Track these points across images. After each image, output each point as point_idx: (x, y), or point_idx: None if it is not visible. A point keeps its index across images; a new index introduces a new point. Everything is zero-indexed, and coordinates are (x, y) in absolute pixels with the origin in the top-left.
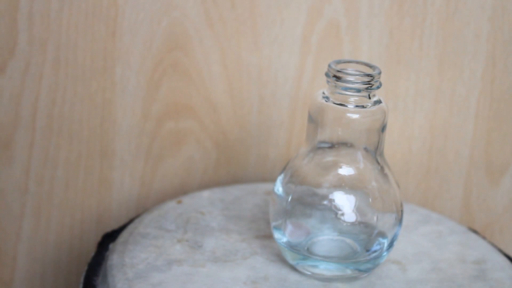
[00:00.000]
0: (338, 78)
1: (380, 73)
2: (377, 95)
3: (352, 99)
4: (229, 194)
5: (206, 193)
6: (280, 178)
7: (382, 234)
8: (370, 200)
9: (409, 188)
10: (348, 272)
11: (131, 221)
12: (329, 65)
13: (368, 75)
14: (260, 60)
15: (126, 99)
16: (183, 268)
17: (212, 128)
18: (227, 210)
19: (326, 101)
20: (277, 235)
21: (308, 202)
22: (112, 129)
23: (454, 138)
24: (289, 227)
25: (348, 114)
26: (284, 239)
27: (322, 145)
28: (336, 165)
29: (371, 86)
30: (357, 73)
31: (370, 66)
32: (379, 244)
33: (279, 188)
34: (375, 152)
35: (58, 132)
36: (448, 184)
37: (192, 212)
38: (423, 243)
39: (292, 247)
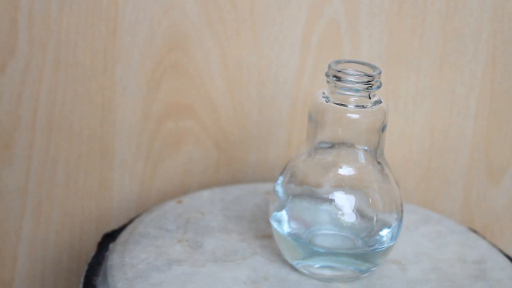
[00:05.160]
0: (338, 78)
1: (380, 73)
2: (377, 95)
3: (352, 99)
4: (229, 194)
5: (206, 193)
6: (280, 178)
7: (382, 235)
8: (370, 200)
9: (409, 188)
10: (348, 272)
11: (131, 221)
12: (329, 65)
13: (368, 75)
14: (260, 60)
15: (126, 99)
16: (183, 268)
17: (212, 128)
18: (227, 210)
19: (326, 101)
20: (277, 231)
21: (308, 202)
22: (112, 129)
23: (454, 138)
24: (289, 221)
25: (348, 114)
26: (285, 232)
27: (322, 145)
28: (336, 165)
29: (371, 86)
30: (357, 73)
31: (370, 66)
32: (379, 244)
33: (279, 188)
34: (375, 152)
35: (58, 132)
36: (448, 184)
37: (192, 212)
38: (423, 243)
39: (293, 237)
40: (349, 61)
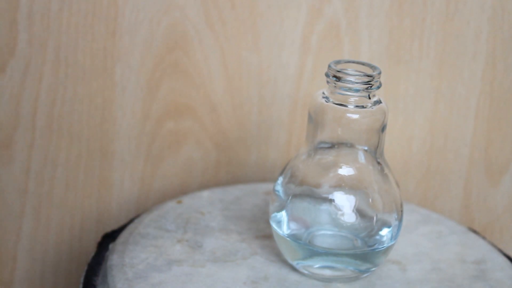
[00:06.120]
0: (338, 78)
1: (380, 73)
2: (377, 95)
3: (352, 99)
4: (229, 194)
5: (206, 193)
6: (280, 178)
7: (382, 235)
8: (370, 200)
9: (409, 188)
10: (348, 272)
11: (131, 221)
12: (329, 65)
13: (368, 75)
14: (260, 60)
15: (126, 99)
16: (183, 268)
17: (212, 128)
18: (227, 210)
19: (326, 101)
20: (276, 231)
21: (308, 202)
22: (112, 129)
23: (454, 138)
24: (289, 222)
25: (348, 114)
26: (285, 233)
27: (322, 145)
28: (336, 165)
29: (371, 86)
30: (357, 73)
31: (370, 66)
32: (379, 244)
33: (279, 188)
34: (375, 152)
35: (58, 132)
36: (448, 184)
37: (192, 212)
38: (423, 243)
39: (293, 238)
40: (349, 61)
